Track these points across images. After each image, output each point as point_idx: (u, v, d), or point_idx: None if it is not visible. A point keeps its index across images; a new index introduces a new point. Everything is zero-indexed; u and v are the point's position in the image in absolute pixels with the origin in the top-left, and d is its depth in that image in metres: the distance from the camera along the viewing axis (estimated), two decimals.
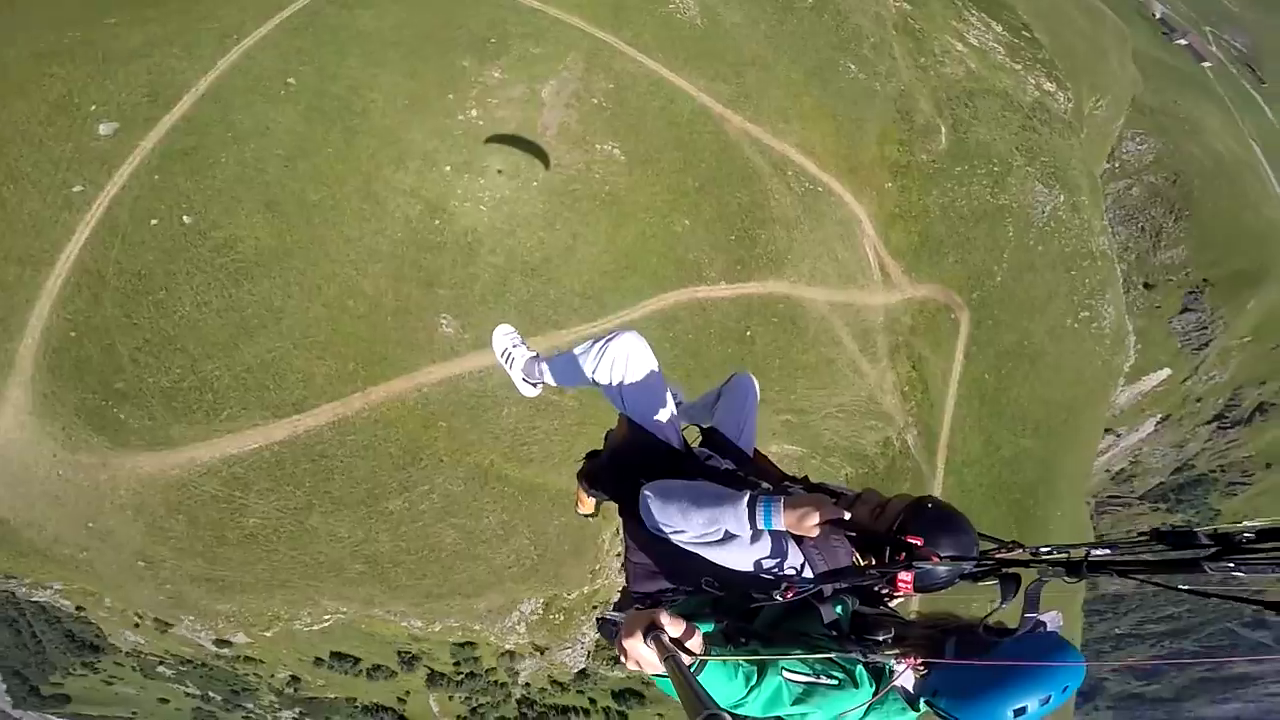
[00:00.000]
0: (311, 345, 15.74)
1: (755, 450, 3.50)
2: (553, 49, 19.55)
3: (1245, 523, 1.74)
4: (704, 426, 3.62)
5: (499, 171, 18.18)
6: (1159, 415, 40.09)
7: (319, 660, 22.53)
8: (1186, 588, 1.82)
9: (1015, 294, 25.13)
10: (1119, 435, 40.14)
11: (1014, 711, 1.98)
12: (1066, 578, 2.01)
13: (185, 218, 15.74)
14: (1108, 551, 1.98)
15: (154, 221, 15.61)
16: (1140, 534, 1.92)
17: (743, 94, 21.26)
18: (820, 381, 21.82)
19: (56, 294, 15.02)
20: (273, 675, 23.93)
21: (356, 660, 22.74)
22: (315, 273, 16.17)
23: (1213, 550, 1.73)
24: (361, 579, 17.26)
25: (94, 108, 16.32)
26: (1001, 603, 2.15)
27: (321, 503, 16.13)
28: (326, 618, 18.83)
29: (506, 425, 17.49)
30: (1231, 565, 1.68)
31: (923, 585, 2.24)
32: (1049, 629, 2.15)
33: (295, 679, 24.10)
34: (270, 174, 16.47)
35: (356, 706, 25.49)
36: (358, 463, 16.14)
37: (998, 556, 2.20)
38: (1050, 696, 1.98)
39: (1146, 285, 47.24)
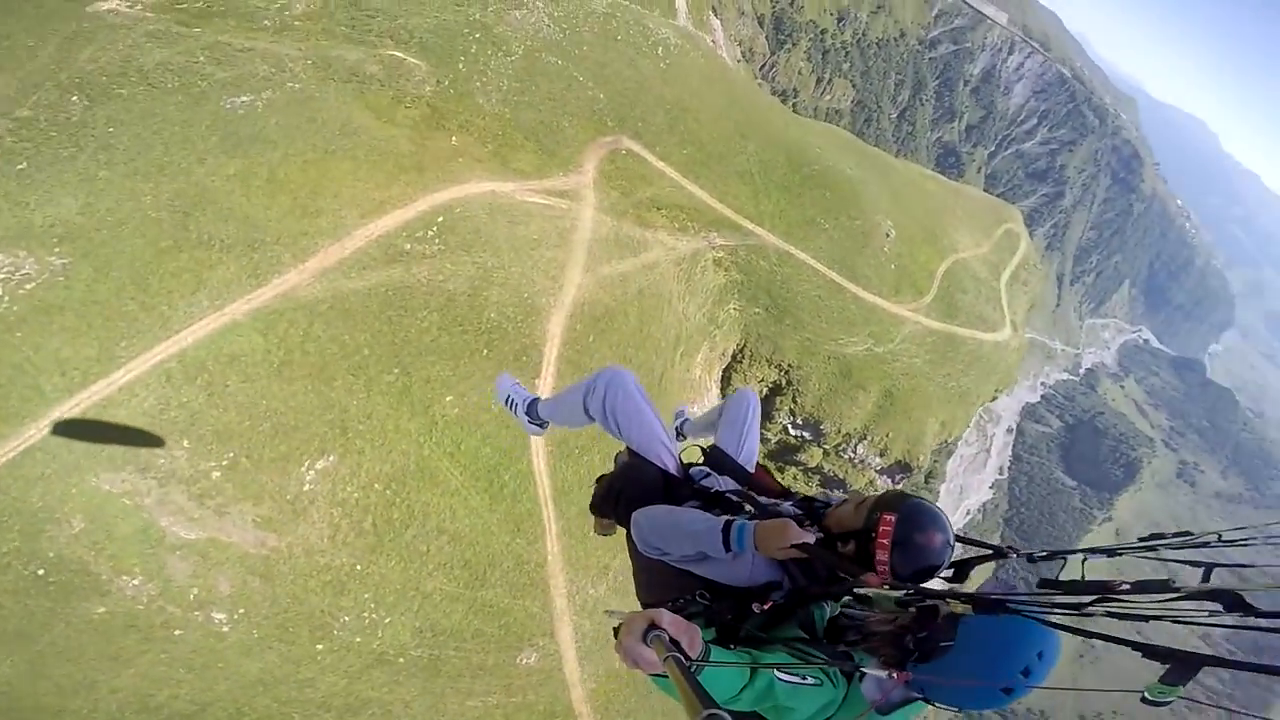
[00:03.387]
0: None
1: (758, 465, 3.56)
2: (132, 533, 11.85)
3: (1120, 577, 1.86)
4: (705, 447, 3.65)
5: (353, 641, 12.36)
6: None
7: None
8: (1079, 630, 1.85)
9: (618, 89, 23.17)
10: None
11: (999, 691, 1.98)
12: (974, 612, 2.05)
13: None
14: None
15: None
16: (1044, 579, 2.12)
17: (244, 250, 14.00)
18: (655, 313, 20.03)
19: None
20: None
21: None
22: None
23: (1091, 598, 1.85)
24: None
25: None
26: (922, 637, 2.13)
27: None
28: None
29: None
30: (1103, 612, 1.81)
31: (906, 572, 2.26)
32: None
33: None
34: None
35: None
36: None
37: (916, 589, 2.24)
38: (1012, 688, 1.93)
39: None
